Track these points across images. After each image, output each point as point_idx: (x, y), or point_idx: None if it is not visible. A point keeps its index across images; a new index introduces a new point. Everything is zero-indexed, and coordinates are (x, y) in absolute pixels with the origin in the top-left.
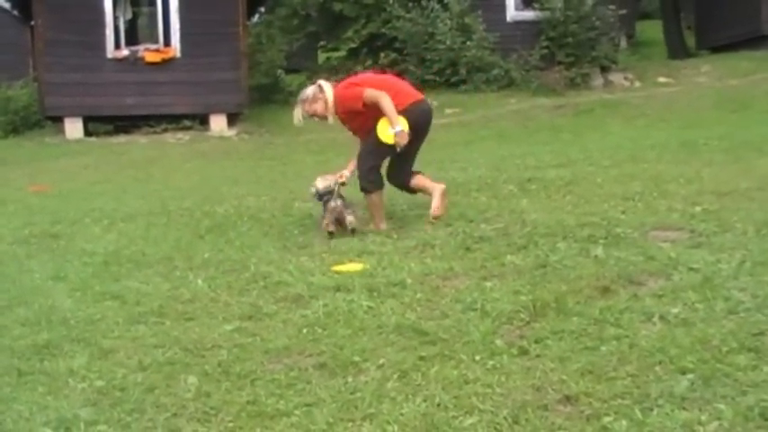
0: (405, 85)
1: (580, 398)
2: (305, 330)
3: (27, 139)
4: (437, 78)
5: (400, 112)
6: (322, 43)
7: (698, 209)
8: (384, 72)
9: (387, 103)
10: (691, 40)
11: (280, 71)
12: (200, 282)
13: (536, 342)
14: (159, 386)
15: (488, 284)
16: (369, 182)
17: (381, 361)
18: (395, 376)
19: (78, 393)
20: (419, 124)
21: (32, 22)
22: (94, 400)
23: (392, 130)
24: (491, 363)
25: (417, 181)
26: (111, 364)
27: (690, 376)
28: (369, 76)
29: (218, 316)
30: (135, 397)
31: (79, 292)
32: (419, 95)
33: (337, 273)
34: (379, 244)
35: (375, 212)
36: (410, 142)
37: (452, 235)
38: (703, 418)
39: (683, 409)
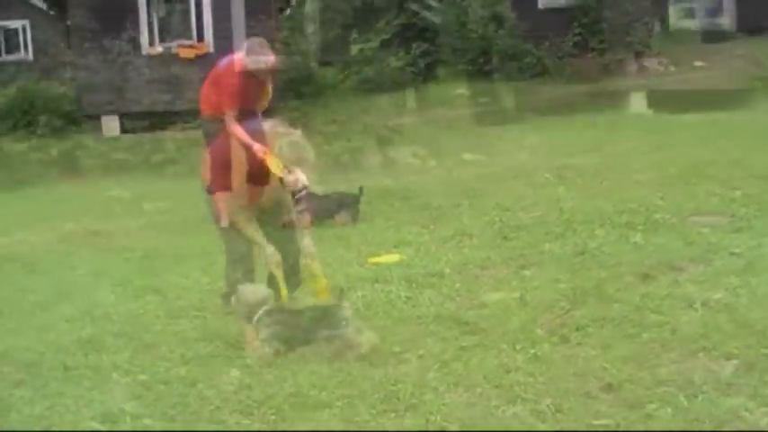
0: None
1: (623, 385)
2: None
3: (66, 138)
4: (470, 68)
5: None
6: (354, 35)
7: (738, 193)
8: None
9: None
10: None
11: (312, 64)
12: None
13: (577, 330)
14: (202, 379)
15: (527, 273)
16: None
17: (422, 351)
18: (436, 366)
19: (123, 387)
20: None
21: (68, 21)
22: (138, 394)
23: None
24: (532, 351)
25: None
26: (154, 357)
27: (734, 362)
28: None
29: None
30: (178, 390)
31: (120, 287)
32: None
33: (375, 264)
34: (415, 234)
35: None
36: None
37: (489, 224)
38: (750, 404)
39: (729, 395)
